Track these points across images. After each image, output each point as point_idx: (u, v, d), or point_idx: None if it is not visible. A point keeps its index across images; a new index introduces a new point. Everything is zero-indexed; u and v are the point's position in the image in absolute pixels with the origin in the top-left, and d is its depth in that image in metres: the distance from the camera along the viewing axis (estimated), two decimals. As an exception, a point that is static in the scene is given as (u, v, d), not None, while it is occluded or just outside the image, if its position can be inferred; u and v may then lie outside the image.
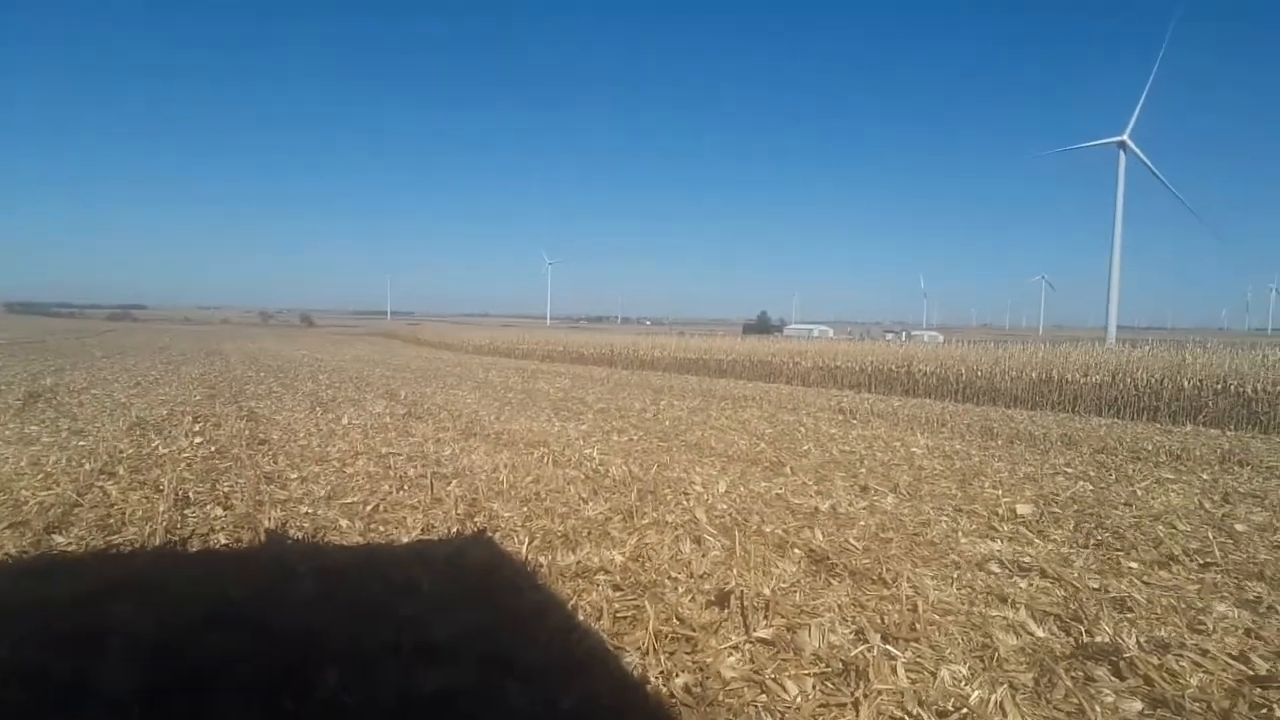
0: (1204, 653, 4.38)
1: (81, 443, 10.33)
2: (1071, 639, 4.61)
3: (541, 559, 5.85)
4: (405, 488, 8.14)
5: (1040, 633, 4.68)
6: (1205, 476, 10.28)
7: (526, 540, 6.28)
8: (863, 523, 7.17)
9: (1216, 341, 21.82)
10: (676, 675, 4.04)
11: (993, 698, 3.76)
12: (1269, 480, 10.19)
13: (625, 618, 4.78)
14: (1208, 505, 8.42)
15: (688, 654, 4.31)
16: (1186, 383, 18.47)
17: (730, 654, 4.29)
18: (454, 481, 8.40)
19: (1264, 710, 3.77)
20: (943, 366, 23.73)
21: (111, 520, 6.70)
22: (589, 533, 6.55)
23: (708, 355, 32.57)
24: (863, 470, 9.97)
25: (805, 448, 11.79)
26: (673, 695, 3.85)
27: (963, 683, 3.96)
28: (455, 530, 6.69)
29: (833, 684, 3.97)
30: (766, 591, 5.13)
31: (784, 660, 4.22)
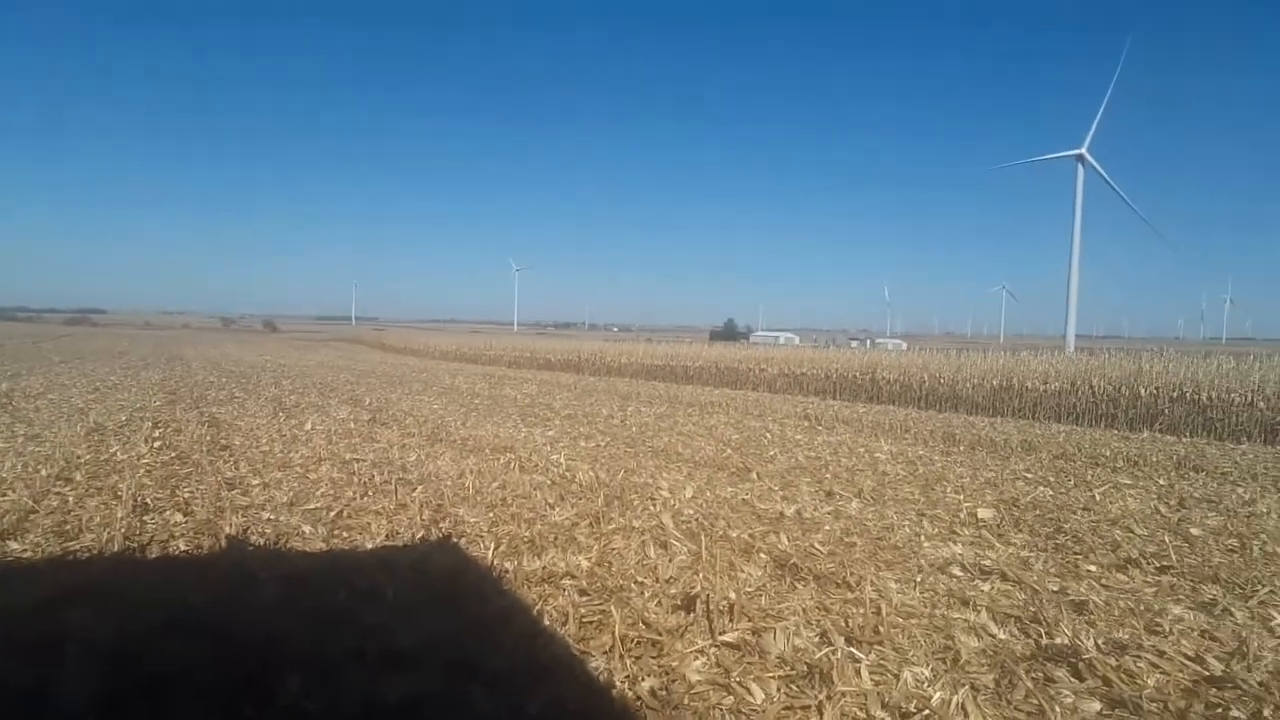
0: (1161, 654, 4.47)
1: (37, 448, 10.11)
2: (1032, 641, 4.68)
3: (507, 564, 5.82)
4: (370, 494, 8.06)
5: (1001, 635, 4.75)
6: (1161, 482, 10.49)
7: (492, 546, 6.25)
8: (828, 527, 7.23)
9: (1172, 350, 22.23)
10: (642, 679, 4.04)
11: (954, 699, 3.81)
12: (1223, 485, 10.42)
13: (591, 622, 4.78)
14: (1164, 510, 8.58)
15: (654, 658, 4.32)
16: (1143, 390, 18.85)
17: (696, 657, 4.30)
18: (419, 487, 8.33)
19: (1219, 710, 3.85)
20: (906, 374, 23.99)
21: (69, 526, 6.57)
22: (555, 538, 6.53)
23: (674, 362, 32.60)
24: (828, 476, 10.05)
25: (771, 453, 11.85)
26: (639, 699, 3.86)
27: (925, 684, 4.00)
28: (420, 536, 6.64)
29: (797, 686, 3.99)
30: (732, 595, 5.14)
31: (749, 663, 4.24)
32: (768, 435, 14.15)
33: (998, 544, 6.92)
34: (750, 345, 46.86)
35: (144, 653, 4.16)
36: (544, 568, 5.74)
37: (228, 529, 6.55)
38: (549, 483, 8.87)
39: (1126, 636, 4.75)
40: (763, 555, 6.23)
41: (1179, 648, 4.59)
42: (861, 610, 5.01)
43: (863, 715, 3.71)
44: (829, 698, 3.82)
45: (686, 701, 3.82)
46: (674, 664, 4.22)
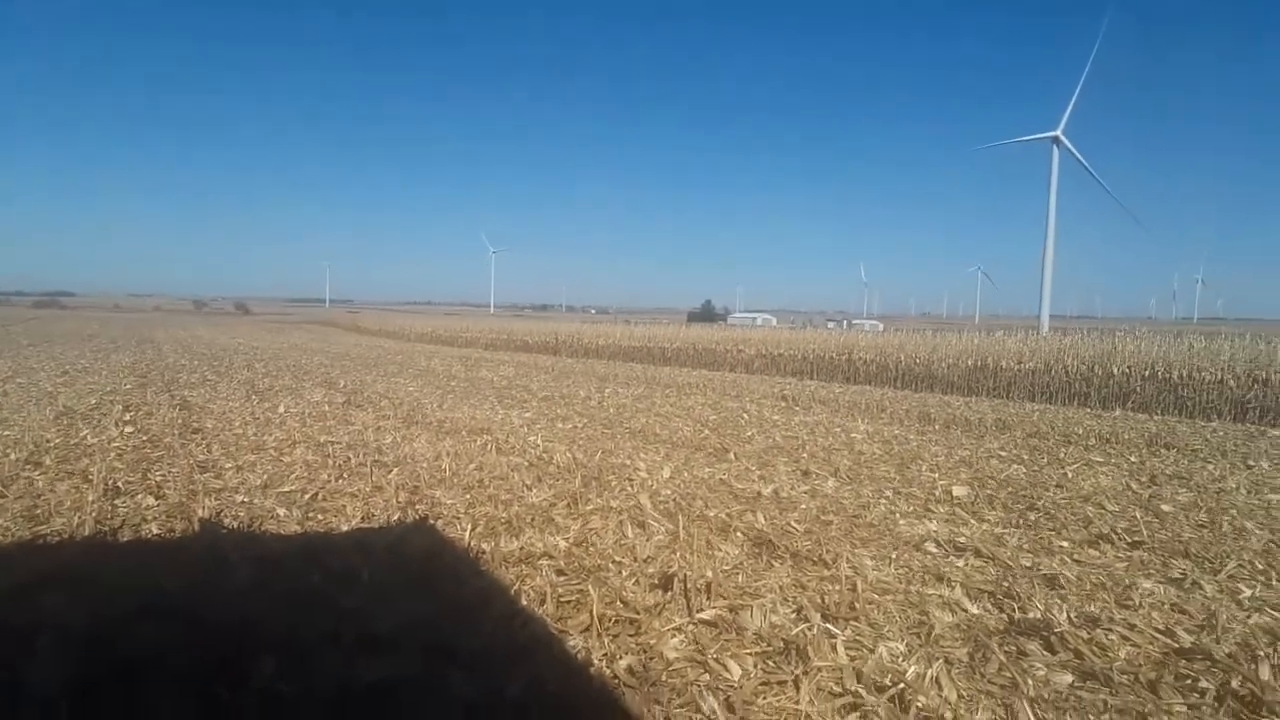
0: (1132, 627, 4.54)
1: (6, 432, 9.95)
2: (1005, 615, 4.73)
3: (484, 546, 5.80)
4: (345, 476, 8.00)
5: (975, 610, 4.79)
6: (1133, 459, 10.63)
7: (469, 527, 6.23)
8: (804, 506, 7.26)
9: (1145, 330, 22.49)
10: (620, 657, 4.04)
11: (929, 672, 3.84)
12: (1194, 462, 10.57)
13: (569, 602, 4.77)
14: (1135, 486, 8.70)
15: (631, 636, 4.32)
16: (1116, 369, 19.08)
17: (674, 635, 4.31)
18: (395, 469, 8.28)
19: (1189, 681, 3.91)
20: (882, 354, 24.14)
21: (39, 511, 6.46)
22: (533, 519, 6.52)
23: (652, 343, 32.59)
24: (804, 455, 10.10)
25: (748, 434, 11.89)
26: (616, 677, 3.86)
27: (900, 659, 4.04)
28: (396, 518, 6.60)
29: (774, 662, 4.02)
30: (709, 574, 5.15)
31: (726, 640, 4.25)
32: (745, 416, 14.19)
33: (972, 521, 6.99)
34: (728, 327, 46.95)
35: (118, 638, 4.11)
36: (521, 548, 5.73)
37: (201, 512, 6.48)
38: (526, 464, 8.84)
39: (1098, 610, 4.81)
40: (740, 534, 6.25)
41: (1149, 621, 4.66)
42: (837, 587, 5.04)
43: (839, 690, 3.73)
44: (805, 673, 3.84)
45: (664, 679, 3.83)
46: (652, 642, 4.22)
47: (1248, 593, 5.26)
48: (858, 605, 4.75)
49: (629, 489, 7.65)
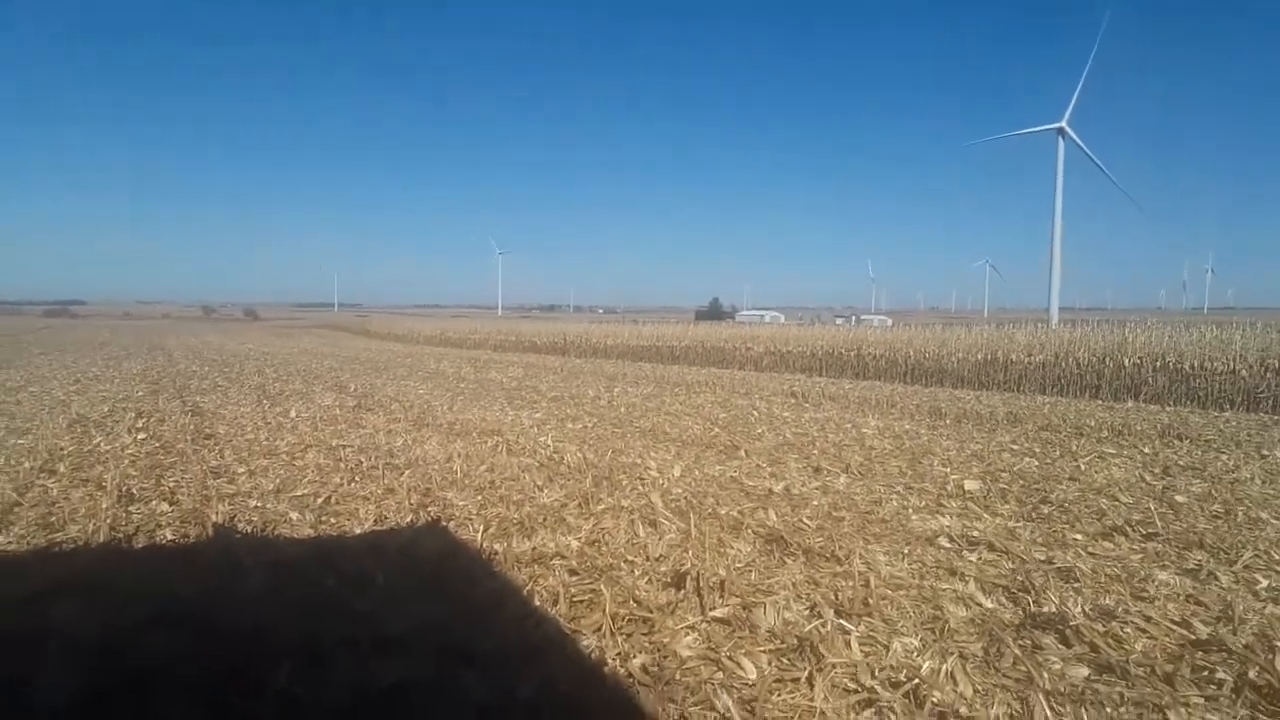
0: (1147, 619, 4.51)
1: (20, 441, 10.02)
2: (1019, 609, 4.71)
3: (497, 546, 5.81)
4: (357, 479, 8.02)
5: (989, 604, 4.78)
6: (1146, 450, 10.56)
7: (481, 528, 6.24)
8: (816, 502, 7.25)
9: (1155, 320, 22.38)
10: (634, 656, 4.05)
11: (943, 667, 3.83)
12: (1207, 453, 10.50)
13: (582, 602, 4.78)
14: (1149, 478, 8.65)
15: (645, 635, 4.32)
16: (1127, 361, 18.94)
17: (687, 634, 4.31)
18: (406, 472, 8.31)
19: (1206, 672, 3.89)
20: (892, 350, 24.04)
21: (54, 518, 6.51)
22: (544, 519, 6.52)
23: (661, 342, 32.54)
24: (815, 452, 10.07)
25: (759, 431, 11.87)
26: (630, 676, 3.86)
27: (914, 654, 4.03)
28: (409, 520, 6.62)
29: (788, 659, 4.01)
30: (722, 572, 5.15)
31: (740, 638, 4.25)
32: (755, 413, 14.17)
33: (985, 515, 6.96)
34: (736, 324, 46.97)
35: (130, 646, 4.13)
36: (534, 549, 5.74)
37: (214, 517, 6.51)
38: (537, 464, 8.85)
39: (1113, 603, 4.79)
40: (752, 531, 6.24)
41: (1165, 613, 4.63)
42: (850, 583, 5.03)
43: (853, 686, 3.73)
44: (819, 669, 3.83)
45: (678, 677, 3.83)
46: (665, 641, 4.22)
47: (1264, 583, 5.22)
48: (871, 601, 4.74)
49: (640, 488, 7.64)
